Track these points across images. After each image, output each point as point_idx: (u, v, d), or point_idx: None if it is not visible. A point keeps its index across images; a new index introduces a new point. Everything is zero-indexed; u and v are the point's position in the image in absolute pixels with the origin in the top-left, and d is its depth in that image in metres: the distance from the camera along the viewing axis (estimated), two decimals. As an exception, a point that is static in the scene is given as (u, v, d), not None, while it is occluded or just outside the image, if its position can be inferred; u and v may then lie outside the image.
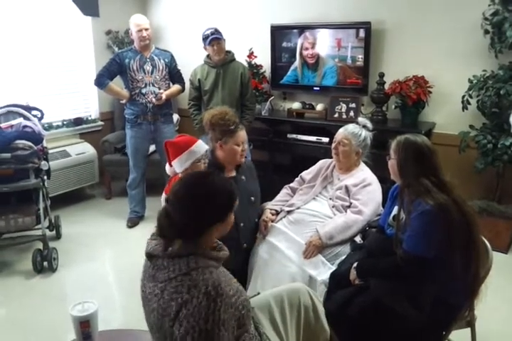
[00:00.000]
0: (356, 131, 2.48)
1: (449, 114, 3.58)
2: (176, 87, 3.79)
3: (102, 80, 3.59)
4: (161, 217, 1.32)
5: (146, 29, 3.56)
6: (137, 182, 3.87)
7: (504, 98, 3.05)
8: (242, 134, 2.36)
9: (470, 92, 3.24)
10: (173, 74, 3.77)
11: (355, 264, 2.00)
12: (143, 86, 3.61)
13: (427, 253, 1.74)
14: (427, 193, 1.77)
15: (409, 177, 1.87)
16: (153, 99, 3.60)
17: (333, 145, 2.51)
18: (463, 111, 3.29)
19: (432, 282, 1.76)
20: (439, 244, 1.73)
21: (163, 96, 3.62)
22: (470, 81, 3.25)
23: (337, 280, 2.07)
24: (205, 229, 1.33)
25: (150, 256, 1.34)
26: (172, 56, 3.77)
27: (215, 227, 1.35)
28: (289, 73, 4.14)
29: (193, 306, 1.20)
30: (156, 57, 3.66)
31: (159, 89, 3.65)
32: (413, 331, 1.75)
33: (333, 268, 2.17)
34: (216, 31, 3.48)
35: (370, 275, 1.94)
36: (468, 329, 1.97)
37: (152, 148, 3.99)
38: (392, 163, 1.97)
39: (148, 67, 3.62)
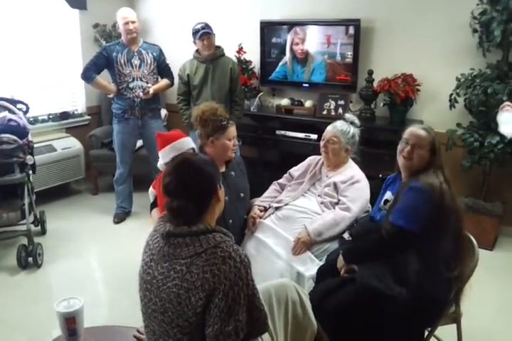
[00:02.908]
0: (345, 128, 2.48)
1: (437, 112, 3.61)
2: (164, 82, 3.76)
3: (88, 74, 3.54)
4: (171, 210, 1.37)
5: (133, 22, 3.52)
6: (124, 177, 3.83)
7: (491, 97, 3.07)
8: (233, 129, 2.35)
9: (458, 91, 3.27)
10: (162, 69, 3.73)
11: (341, 251, 2.02)
12: (130, 80, 3.58)
13: (411, 226, 1.76)
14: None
15: (431, 168, 1.89)
16: (141, 94, 3.57)
17: (322, 143, 2.50)
18: (450, 109, 3.32)
19: (416, 257, 1.77)
20: (424, 220, 1.75)
21: (151, 91, 3.59)
22: (458, 79, 3.28)
23: (324, 273, 2.08)
24: (207, 206, 1.39)
25: (169, 235, 1.35)
26: (160, 50, 3.73)
27: (212, 204, 1.41)
28: (278, 69, 4.14)
29: (234, 275, 1.26)
30: (144, 51, 3.62)
31: (147, 83, 3.62)
32: (400, 312, 1.74)
33: (321, 264, 2.18)
34: (206, 26, 3.45)
35: (356, 256, 1.96)
36: (454, 325, 1.99)
37: (139, 143, 3.96)
38: (421, 154, 1.92)
39: (136, 61, 3.58)
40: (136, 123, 3.69)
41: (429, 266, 1.77)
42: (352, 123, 2.53)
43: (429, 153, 1.92)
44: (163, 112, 4.60)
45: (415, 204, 1.78)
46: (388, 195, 2.08)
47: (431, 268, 1.78)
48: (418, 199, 1.78)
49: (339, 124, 2.50)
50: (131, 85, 3.59)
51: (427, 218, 1.75)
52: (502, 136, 3.00)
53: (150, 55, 3.63)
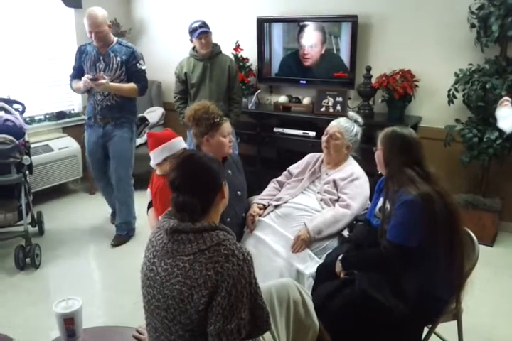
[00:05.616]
0: (349, 125, 2.47)
1: (435, 107, 3.60)
2: (129, 84, 3.24)
3: (71, 84, 3.36)
4: (176, 205, 1.37)
5: (97, 32, 3.10)
6: (102, 188, 3.63)
7: (490, 92, 3.06)
8: (227, 126, 2.32)
9: (456, 86, 3.26)
10: (131, 74, 3.23)
11: (340, 257, 2.00)
12: None
13: (409, 243, 1.75)
14: (411, 183, 1.79)
15: (393, 167, 1.89)
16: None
17: (325, 138, 2.48)
18: (449, 105, 3.31)
19: (415, 272, 1.77)
20: (421, 234, 1.74)
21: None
22: (456, 75, 3.26)
23: (323, 272, 2.07)
24: (212, 202, 1.40)
25: (173, 231, 1.34)
26: (133, 53, 3.23)
27: (217, 200, 1.42)
28: (275, 66, 4.12)
29: (237, 273, 1.26)
30: (112, 54, 3.20)
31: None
32: (396, 322, 1.75)
33: (321, 262, 2.17)
34: (204, 24, 3.43)
35: (354, 267, 1.95)
36: (454, 322, 1.98)
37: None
38: (378, 154, 1.99)
39: (100, 65, 3.21)
40: (97, 132, 3.34)
41: (430, 271, 1.76)
42: (356, 121, 2.52)
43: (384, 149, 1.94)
44: (160, 111, 4.58)
45: (411, 220, 1.75)
46: (382, 202, 2.04)
47: (432, 272, 1.77)
48: (413, 214, 1.75)
49: (343, 121, 2.49)
50: (93, 91, 3.25)
51: (424, 230, 1.73)
52: (501, 131, 2.99)
53: (118, 58, 3.19)
